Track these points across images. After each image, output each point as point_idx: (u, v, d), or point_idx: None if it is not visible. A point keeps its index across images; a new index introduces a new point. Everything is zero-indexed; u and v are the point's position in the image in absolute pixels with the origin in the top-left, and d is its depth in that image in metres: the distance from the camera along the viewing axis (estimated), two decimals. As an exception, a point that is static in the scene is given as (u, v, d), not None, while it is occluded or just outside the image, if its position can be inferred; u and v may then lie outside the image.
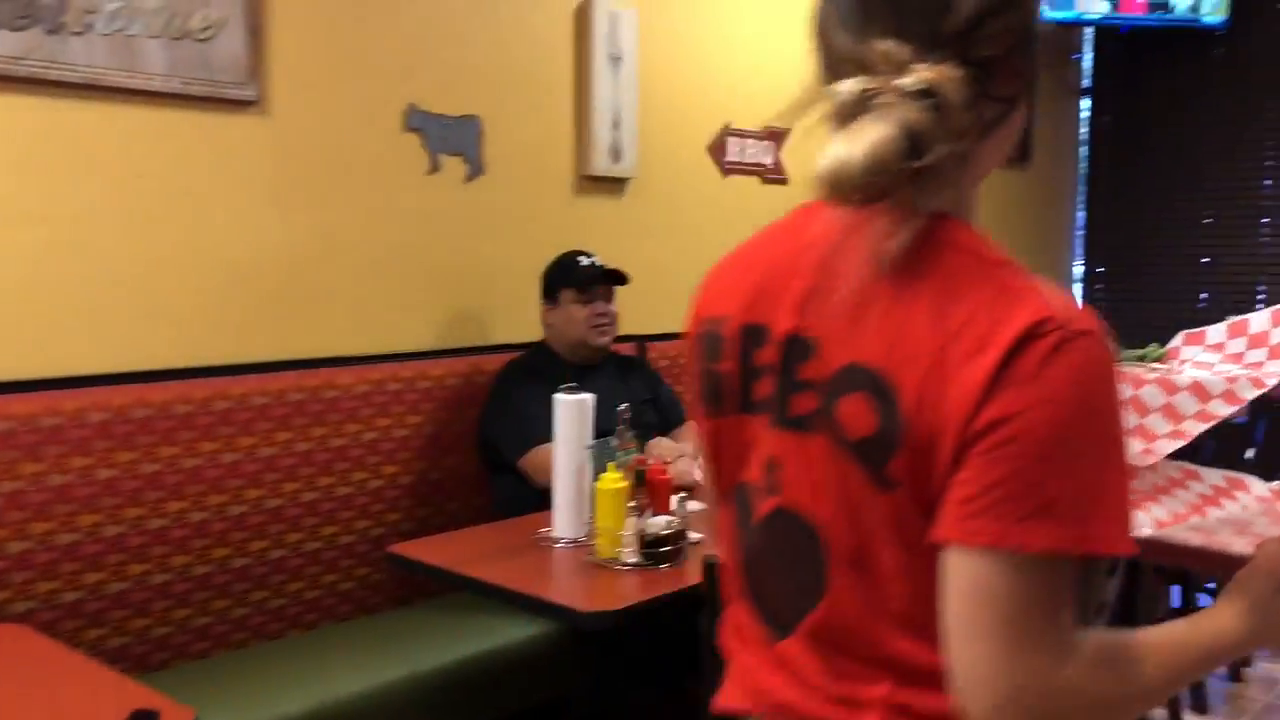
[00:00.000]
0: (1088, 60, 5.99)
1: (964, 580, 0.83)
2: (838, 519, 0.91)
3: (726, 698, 1.06)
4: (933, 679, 0.86)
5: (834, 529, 0.91)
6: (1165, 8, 5.16)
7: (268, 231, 2.68)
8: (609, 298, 2.90)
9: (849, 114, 0.86)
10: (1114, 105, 5.94)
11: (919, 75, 0.85)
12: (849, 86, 0.87)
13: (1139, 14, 5.22)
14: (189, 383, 2.47)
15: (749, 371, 0.98)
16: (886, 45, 0.86)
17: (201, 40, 2.47)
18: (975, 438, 0.82)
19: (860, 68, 0.87)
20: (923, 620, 0.87)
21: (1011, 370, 0.81)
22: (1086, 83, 6.02)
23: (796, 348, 0.93)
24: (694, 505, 2.38)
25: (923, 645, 0.88)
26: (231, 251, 2.61)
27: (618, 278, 2.91)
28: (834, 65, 0.92)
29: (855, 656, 0.92)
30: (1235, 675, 3.58)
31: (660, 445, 2.82)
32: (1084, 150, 6.03)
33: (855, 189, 0.85)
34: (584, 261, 2.89)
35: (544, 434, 2.55)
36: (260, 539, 2.53)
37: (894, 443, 0.85)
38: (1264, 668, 3.71)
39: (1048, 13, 5.18)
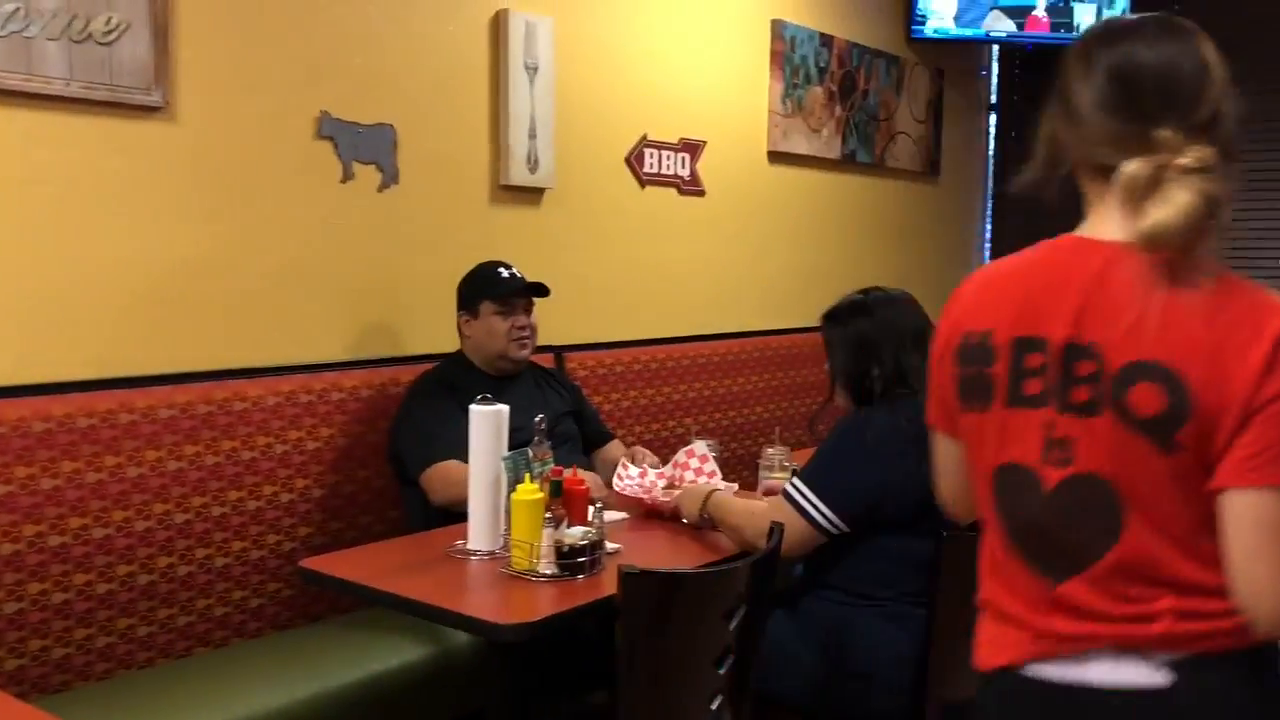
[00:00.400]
0: (994, 77, 6.14)
1: (1248, 514, 1.13)
2: (1129, 477, 1.18)
3: (993, 656, 1.30)
4: (1205, 589, 1.16)
5: (1126, 485, 1.19)
6: (1069, 27, 5.31)
7: (175, 240, 2.61)
8: (529, 310, 2.88)
9: (1143, 185, 1.17)
10: (1019, 121, 6.10)
11: (1196, 155, 1.15)
12: (1139, 165, 1.17)
13: (1044, 33, 5.37)
14: (92, 395, 2.40)
15: (1020, 373, 1.24)
16: (1166, 132, 1.17)
17: (104, 43, 2.40)
18: (1258, 409, 1.12)
19: (1140, 148, 1.18)
20: (1196, 547, 1.17)
21: (1278, 357, 1.12)
22: (993, 99, 6.17)
23: (1074, 352, 1.20)
24: (611, 516, 2.38)
25: (1197, 565, 1.17)
26: (137, 260, 2.55)
27: (540, 290, 2.90)
28: (1096, 140, 1.23)
29: (1144, 581, 1.19)
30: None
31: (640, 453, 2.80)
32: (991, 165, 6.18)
33: (1171, 243, 1.14)
34: (504, 273, 2.86)
35: (445, 452, 2.56)
36: (166, 555, 2.47)
37: (1183, 417, 1.14)
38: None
39: (958, 30, 5.32)
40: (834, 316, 2.30)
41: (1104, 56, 1.23)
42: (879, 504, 2.09)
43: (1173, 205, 1.13)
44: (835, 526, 2.09)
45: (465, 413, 2.28)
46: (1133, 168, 1.17)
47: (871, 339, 2.21)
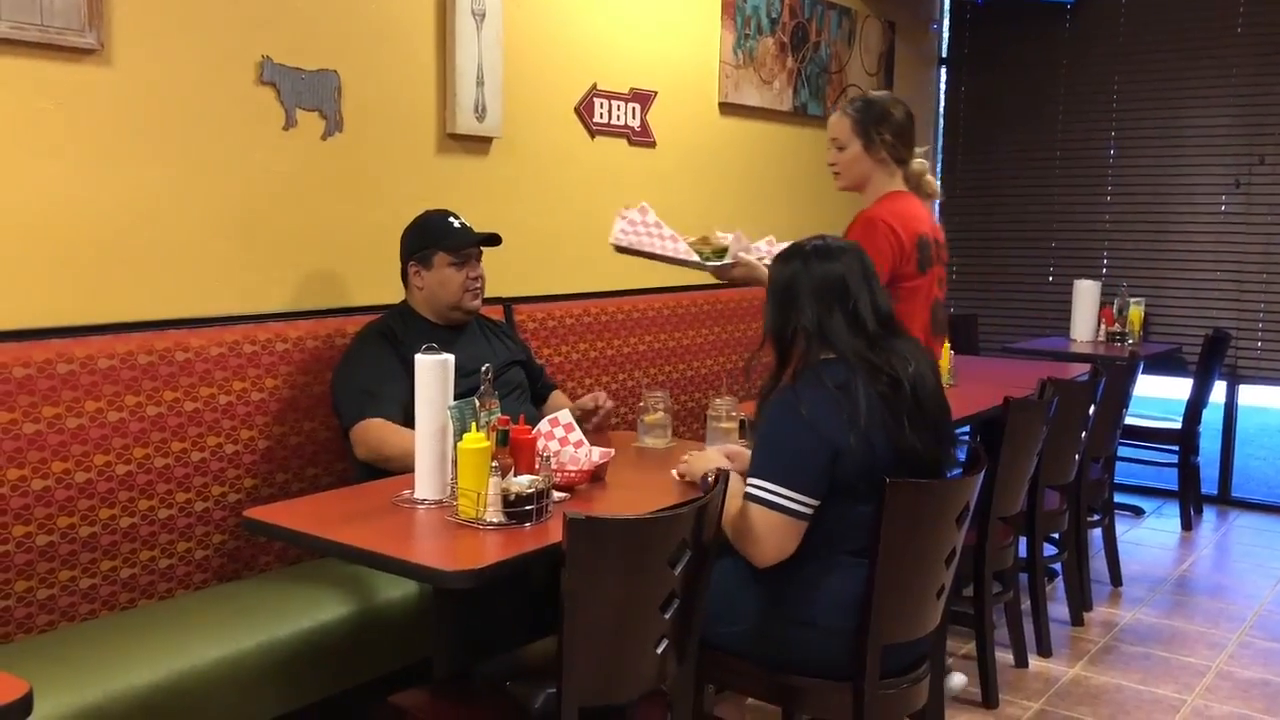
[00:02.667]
0: (946, 31, 6.15)
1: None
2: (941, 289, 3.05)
3: None
4: None
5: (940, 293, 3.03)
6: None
7: (111, 187, 2.56)
8: (479, 260, 2.86)
9: (920, 174, 2.99)
10: (970, 75, 6.12)
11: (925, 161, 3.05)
12: (922, 164, 2.98)
13: (994, -14, 5.39)
14: (28, 344, 2.35)
15: (929, 251, 2.85)
16: (920, 150, 3.01)
17: (34, -18, 2.33)
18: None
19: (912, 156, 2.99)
20: None
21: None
22: (944, 53, 6.18)
23: (937, 241, 2.95)
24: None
25: None
26: (72, 207, 2.49)
27: (494, 240, 2.87)
28: (906, 151, 2.93)
29: None
30: (1077, 619, 3.78)
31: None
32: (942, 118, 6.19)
33: (935, 197, 3.09)
34: (456, 223, 2.83)
35: (379, 409, 2.58)
36: (108, 507, 2.44)
37: (945, 258, 3.04)
38: (1102, 611, 3.92)
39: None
40: (778, 257, 2.27)
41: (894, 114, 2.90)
42: (830, 471, 2.06)
43: (935, 185, 2.96)
44: (809, 506, 2.05)
45: (407, 365, 2.26)
46: (920, 166, 2.92)
47: (795, 288, 2.17)
